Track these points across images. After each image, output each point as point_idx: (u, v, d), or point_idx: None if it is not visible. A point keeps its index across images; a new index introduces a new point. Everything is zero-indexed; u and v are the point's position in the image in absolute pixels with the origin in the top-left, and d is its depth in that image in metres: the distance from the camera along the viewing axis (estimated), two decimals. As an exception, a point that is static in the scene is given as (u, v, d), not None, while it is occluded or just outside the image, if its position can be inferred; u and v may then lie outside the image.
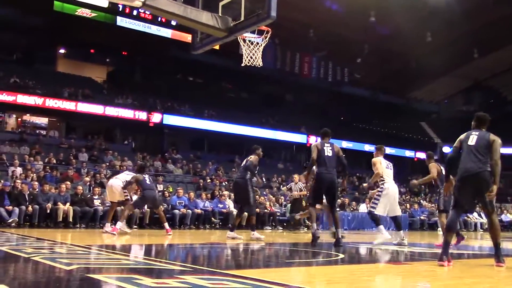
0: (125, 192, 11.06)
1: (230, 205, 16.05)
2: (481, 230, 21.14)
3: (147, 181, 10.84)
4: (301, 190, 15.26)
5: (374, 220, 9.41)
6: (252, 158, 10.32)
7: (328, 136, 9.04)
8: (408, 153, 36.70)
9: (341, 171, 9.72)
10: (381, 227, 9.26)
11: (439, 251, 5.94)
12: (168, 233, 10.79)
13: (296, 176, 15.58)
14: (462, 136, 6.08)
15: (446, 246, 5.74)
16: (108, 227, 10.77)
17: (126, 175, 11.46)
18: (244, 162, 10.52)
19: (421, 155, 38.67)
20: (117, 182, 11.30)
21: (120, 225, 10.56)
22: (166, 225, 11.12)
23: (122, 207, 11.33)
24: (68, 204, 13.04)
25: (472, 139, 5.93)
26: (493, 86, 42.83)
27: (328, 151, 8.72)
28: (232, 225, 10.49)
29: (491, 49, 34.43)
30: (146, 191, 10.71)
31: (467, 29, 29.62)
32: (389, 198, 9.19)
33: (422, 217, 21.03)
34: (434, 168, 9.61)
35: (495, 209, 6.06)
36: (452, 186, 6.08)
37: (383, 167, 9.27)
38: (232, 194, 17.12)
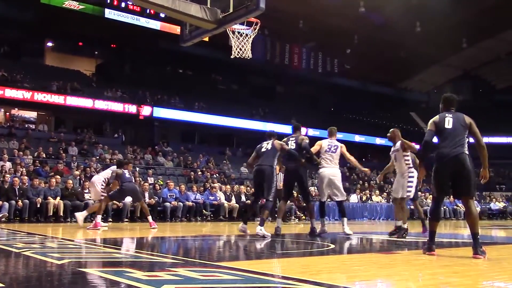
0: (102, 193, 11.00)
1: (221, 197, 16.08)
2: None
3: (126, 175, 10.62)
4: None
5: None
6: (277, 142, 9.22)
7: (298, 129, 9.57)
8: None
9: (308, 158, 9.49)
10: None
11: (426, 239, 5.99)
12: (152, 226, 10.46)
13: (277, 167, 15.60)
14: (436, 119, 5.89)
15: (432, 235, 5.70)
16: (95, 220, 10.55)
17: (110, 170, 11.37)
18: (268, 147, 8.93)
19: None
20: (98, 179, 11.38)
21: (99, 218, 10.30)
22: (150, 218, 10.88)
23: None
24: (58, 198, 12.99)
25: (448, 122, 5.78)
26: (482, 75, 43.09)
27: (291, 145, 8.99)
28: (245, 218, 9.70)
29: (479, 38, 34.60)
30: (125, 183, 10.47)
31: (455, 19, 29.68)
32: (321, 183, 9.37)
33: (411, 206, 21.15)
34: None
35: (475, 195, 5.99)
36: (425, 173, 6.04)
37: (323, 151, 9.37)
38: (223, 186, 17.18)
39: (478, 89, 44.68)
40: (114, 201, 12.35)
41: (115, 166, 11.14)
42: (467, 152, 5.65)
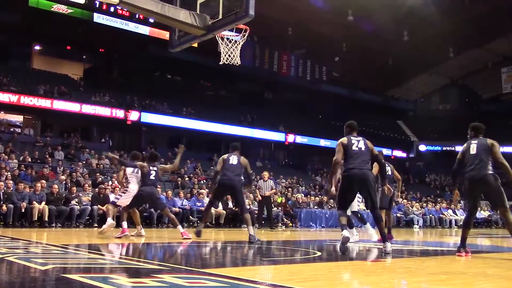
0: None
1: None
2: (455, 226, 21.48)
3: (152, 176, 9.36)
4: (272, 188, 15.33)
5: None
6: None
7: (237, 149, 9.03)
8: (385, 151, 37.01)
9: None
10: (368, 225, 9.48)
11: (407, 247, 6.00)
12: (183, 236, 9.13)
13: (265, 173, 15.63)
14: (464, 147, 6.86)
15: (464, 240, 6.86)
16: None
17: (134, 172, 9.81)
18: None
19: (398, 153, 39.13)
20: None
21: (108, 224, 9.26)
22: (180, 227, 9.57)
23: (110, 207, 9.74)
24: (43, 203, 12.86)
25: (473, 148, 6.64)
26: (469, 84, 43.55)
27: (233, 160, 8.88)
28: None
29: (466, 48, 35.01)
30: (144, 187, 9.30)
31: (442, 28, 30.02)
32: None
33: (398, 214, 21.26)
34: (375, 167, 8.62)
35: (507, 206, 6.52)
36: (458, 195, 7.53)
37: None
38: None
39: (464, 98, 45.13)
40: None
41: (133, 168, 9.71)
42: (490, 172, 6.42)
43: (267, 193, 15.10)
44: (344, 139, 6.99)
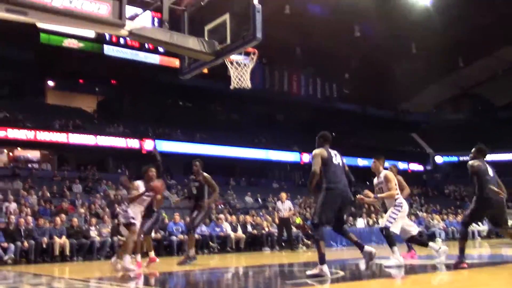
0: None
1: (227, 228, 15.95)
2: (478, 237, 21.08)
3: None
4: (290, 209, 15.25)
5: (388, 238, 7.69)
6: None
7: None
8: (402, 165, 36.74)
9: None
10: (396, 248, 7.53)
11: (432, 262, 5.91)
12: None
13: (283, 195, 15.51)
14: (480, 167, 6.84)
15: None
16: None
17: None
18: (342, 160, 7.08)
19: (415, 166, 38.80)
20: None
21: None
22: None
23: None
24: (64, 237, 12.90)
25: (490, 171, 6.85)
26: (481, 93, 43.25)
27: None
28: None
29: (475, 57, 34.88)
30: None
31: (450, 39, 29.99)
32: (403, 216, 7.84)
33: (419, 229, 20.97)
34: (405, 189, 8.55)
35: None
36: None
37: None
38: (228, 216, 17.08)
39: (478, 107, 44.81)
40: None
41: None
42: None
43: (285, 214, 15.02)
44: (323, 151, 6.51)
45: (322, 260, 6.09)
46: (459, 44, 31.18)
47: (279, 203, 15.18)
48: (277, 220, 15.32)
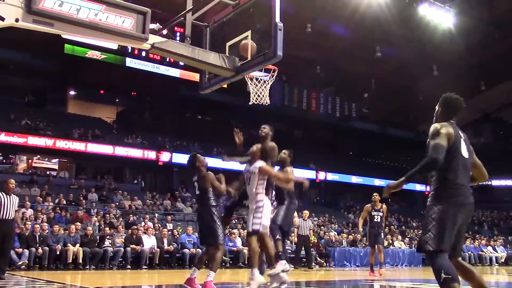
0: None
1: (240, 243, 15.92)
2: (496, 264, 20.71)
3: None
4: (310, 228, 15.18)
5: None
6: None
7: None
8: (419, 187, 36.38)
9: None
10: None
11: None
12: None
13: (306, 213, 15.42)
14: (450, 130, 4.27)
15: None
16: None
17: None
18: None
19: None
20: None
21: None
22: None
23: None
24: (78, 245, 12.99)
25: (464, 147, 4.24)
26: (502, 117, 42.78)
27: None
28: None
29: (498, 81, 34.56)
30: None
31: (472, 62, 29.82)
32: None
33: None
34: None
35: None
36: None
37: None
38: (241, 231, 17.04)
39: (499, 131, 44.29)
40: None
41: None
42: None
43: (306, 232, 15.02)
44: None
45: None
46: (481, 67, 30.97)
47: (300, 220, 15.07)
48: (295, 238, 15.24)
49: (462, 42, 27.48)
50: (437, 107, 4.52)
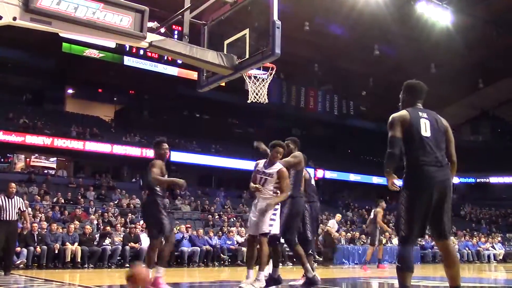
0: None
1: (239, 241, 15.94)
2: (494, 261, 20.76)
3: None
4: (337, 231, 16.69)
5: None
6: None
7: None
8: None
9: None
10: None
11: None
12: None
13: (339, 216, 17.60)
14: (405, 116, 4.28)
15: None
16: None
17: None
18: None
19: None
20: None
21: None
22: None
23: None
24: (76, 244, 12.99)
25: (425, 127, 4.24)
26: (500, 115, 42.83)
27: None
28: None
29: (496, 78, 34.58)
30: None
31: (470, 60, 29.83)
32: None
33: (434, 250, 20.68)
34: None
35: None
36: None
37: None
38: (240, 229, 17.06)
39: (497, 129, 44.36)
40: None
41: None
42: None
43: (333, 232, 16.13)
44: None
45: None
46: (479, 65, 30.98)
47: (334, 221, 16.72)
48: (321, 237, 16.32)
49: (460, 40, 27.46)
50: (401, 96, 4.67)
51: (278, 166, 6.33)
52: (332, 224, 16.67)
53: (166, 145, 6.74)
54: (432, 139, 4.20)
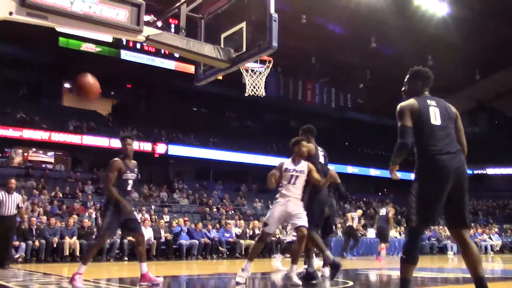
0: None
1: (237, 234, 16.00)
2: (491, 252, 20.87)
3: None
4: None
5: None
6: None
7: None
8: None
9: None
10: None
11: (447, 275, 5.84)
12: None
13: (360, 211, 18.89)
14: (413, 106, 4.20)
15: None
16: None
17: None
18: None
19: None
20: None
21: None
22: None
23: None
24: (75, 237, 13.02)
25: (435, 115, 4.20)
26: (497, 107, 42.88)
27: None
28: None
29: (493, 70, 34.59)
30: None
31: (468, 51, 29.81)
32: None
33: (431, 241, 20.79)
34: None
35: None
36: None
37: None
38: (238, 222, 17.11)
39: (494, 121, 44.45)
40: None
41: None
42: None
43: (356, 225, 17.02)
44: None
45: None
46: (476, 56, 30.98)
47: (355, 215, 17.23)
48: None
49: (456, 31, 27.47)
50: (406, 83, 4.52)
51: (304, 161, 6.48)
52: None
53: (129, 141, 6.72)
54: (442, 128, 4.12)
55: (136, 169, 6.68)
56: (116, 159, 6.46)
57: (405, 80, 4.50)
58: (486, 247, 21.25)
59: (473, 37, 28.82)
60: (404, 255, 3.97)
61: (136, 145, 26.45)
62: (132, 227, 6.42)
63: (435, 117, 4.14)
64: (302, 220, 6.13)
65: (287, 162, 6.48)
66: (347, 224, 16.69)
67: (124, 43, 27.89)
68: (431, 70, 4.56)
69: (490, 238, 22.00)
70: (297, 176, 6.34)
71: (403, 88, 4.51)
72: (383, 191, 35.40)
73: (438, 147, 4.02)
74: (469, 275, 3.90)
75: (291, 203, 6.23)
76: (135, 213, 6.57)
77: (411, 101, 4.23)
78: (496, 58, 31.56)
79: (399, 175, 4.21)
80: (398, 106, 4.24)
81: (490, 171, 39.86)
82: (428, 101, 4.24)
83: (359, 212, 18.44)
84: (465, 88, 37.72)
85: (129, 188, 6.53)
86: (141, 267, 6.23)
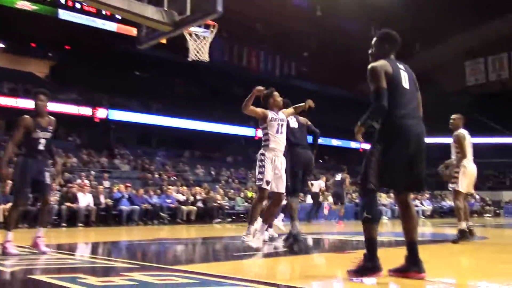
0: None
1: (178, 199, 15.99)
2: (422, 217, 21.87)
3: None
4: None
5: None
6: None
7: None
8: (354, 145, 37.50)
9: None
10: None
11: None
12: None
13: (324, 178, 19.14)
14: (387, 67, 4.12)
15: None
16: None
17: None
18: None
19: (367, 146, 39.70)
20: None
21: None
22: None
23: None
24: (9, 204, 12.59)
25: (405, 78, 4.18)
26: (434, 78, 44.39)
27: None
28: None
29: (432, 43, 35.65)
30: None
31: (408, 23, 30.51)
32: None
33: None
34: None
35: None
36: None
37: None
38: (180, 188, 17.10)
39: (433, 92, 46.04)
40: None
41: None
42: None
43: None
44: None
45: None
46: (416, 29, 31.77)
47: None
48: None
49: (398, 4, 28.01)
50: (374, 45, 4.38)
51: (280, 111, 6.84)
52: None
53: (42, 97, 6.49)
54: (410, 92, 4.09)
55: (50, 127, 6.33)
56: (25, 116, 6.11)
57: (373, 42, 4.37)
58: (417, 212, 22.27)
59: (415, 9, 29.51)
60: (368, 214, 3.86)
61: (76, 110, 25.75)
62: (38, 189, 6.14)
63: (405, 81, 4.08)
64: (283, 185, 6.29)
65: (269, 113, 6.70)
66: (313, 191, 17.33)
67: (63, 1, 26.68)
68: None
69: (421, 203, 23.03)
70: (282, 125, 6.59)
71: (369, 51, 4.36)
72: (323, 158, 36.12)
73: (406, 111, 4.00)
74: (402, 239, 4.07)
75: (278, 160, 6.37)
76: (45, 174, 6.26)
77: (383, 62, 4.09)
78: (435, 31, 32.52)
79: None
80: (370, 66, 4.09)
81: (426, 140, 41.50)
82: (398, 65, 4.17)
83: (323, 178, 18.86)
84: (405, 59, 38.64)
85: (40, 147, 6.15)
86: (37, 232, 6.09)
